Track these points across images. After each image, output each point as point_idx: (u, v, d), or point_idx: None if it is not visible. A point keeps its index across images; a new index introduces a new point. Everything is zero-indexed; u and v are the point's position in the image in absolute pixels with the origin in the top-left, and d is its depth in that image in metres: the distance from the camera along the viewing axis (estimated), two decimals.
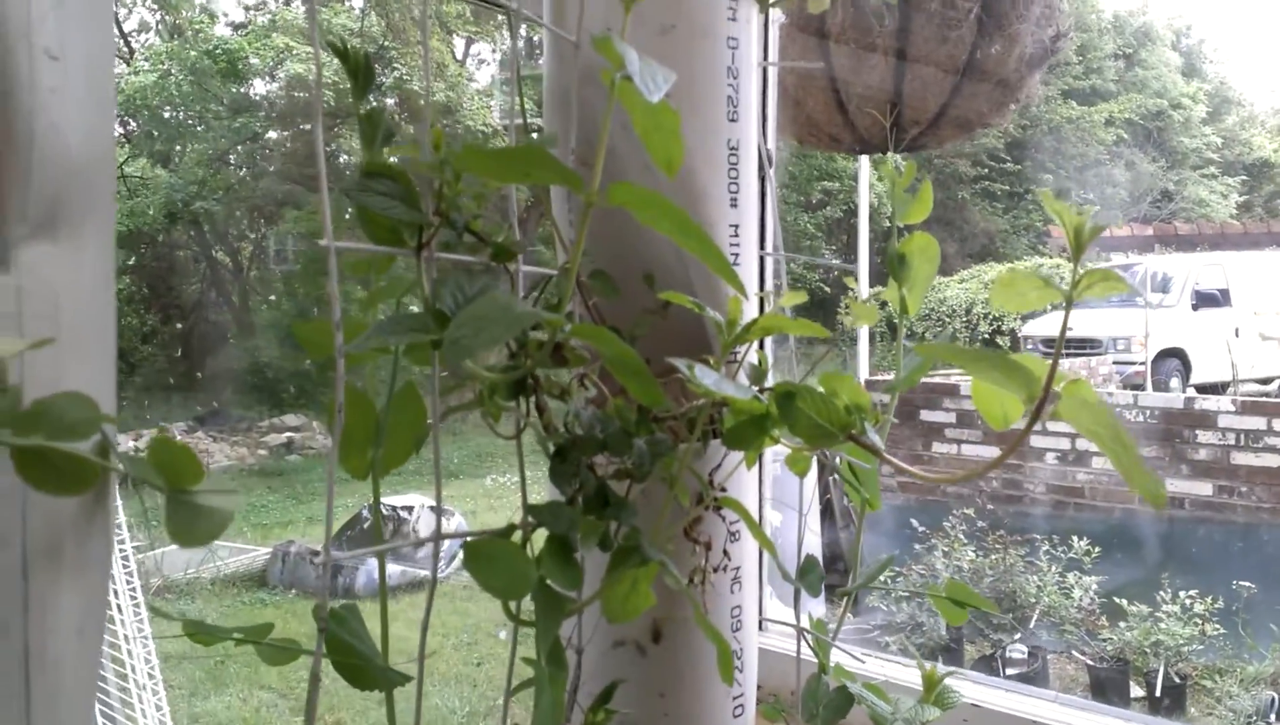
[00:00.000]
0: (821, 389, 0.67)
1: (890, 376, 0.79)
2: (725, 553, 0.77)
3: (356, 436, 0.67)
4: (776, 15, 0.92)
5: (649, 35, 0.72)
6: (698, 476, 0.72)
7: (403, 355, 0.68)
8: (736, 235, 0.79)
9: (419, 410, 0.68)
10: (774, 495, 1.37)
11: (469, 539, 0.58)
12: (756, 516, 0.76)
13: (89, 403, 0.40)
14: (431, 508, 6.88)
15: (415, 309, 0.67)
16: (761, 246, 1.03)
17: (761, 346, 0.88)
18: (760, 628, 1.24)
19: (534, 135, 0.91)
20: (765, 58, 1.07)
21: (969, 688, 1.07)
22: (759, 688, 1.21)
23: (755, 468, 0.84)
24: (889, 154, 1.68)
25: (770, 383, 0.77)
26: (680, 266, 0.77)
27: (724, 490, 0.76)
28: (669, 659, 0.75)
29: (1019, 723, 1.03)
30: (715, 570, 0.76)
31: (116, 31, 11.46)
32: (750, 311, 0.77)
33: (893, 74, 1.55)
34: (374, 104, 0.65)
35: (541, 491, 0.70)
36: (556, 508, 0.61)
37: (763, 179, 1.04)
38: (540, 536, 0.63)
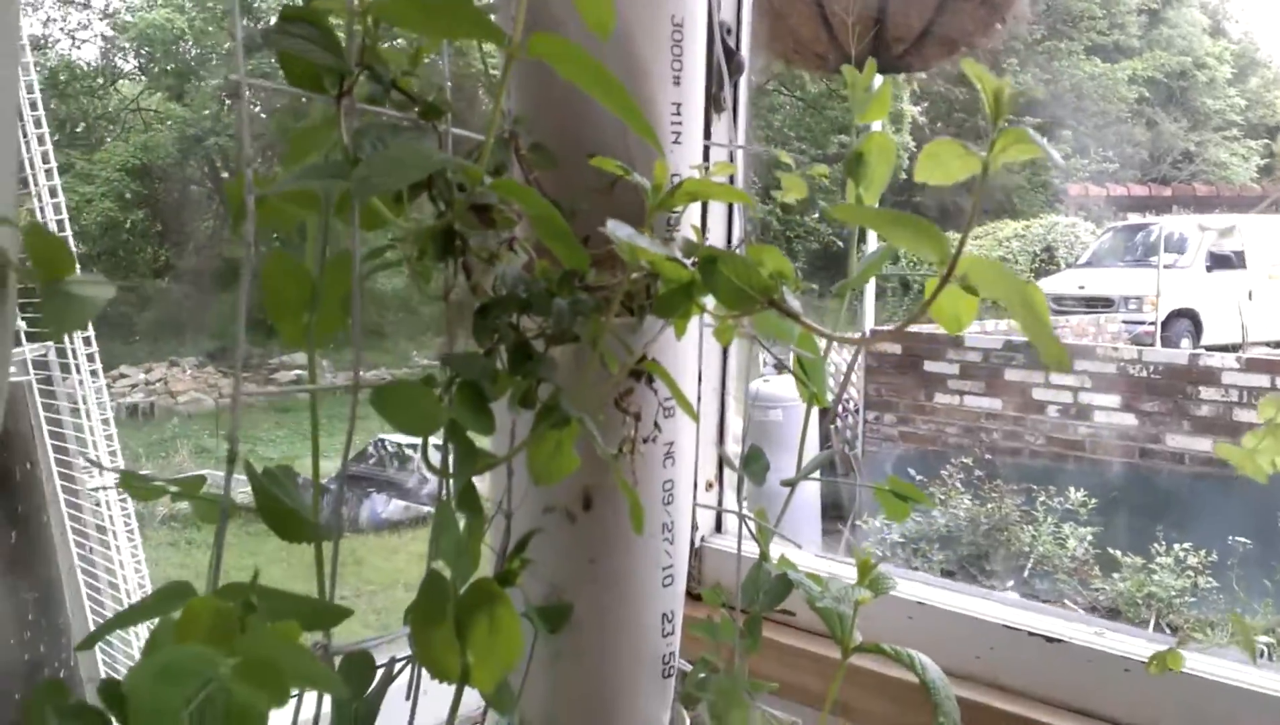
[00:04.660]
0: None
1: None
2: (657, 425, 0.78)
3: (290, 301, 0.68)
4: None
5: None
6: (627, 347, 0.73)
7: (333, 217, 0.68)
8: (679, 114, 0.79)
9: (349, 276, 0.69)
10: (762, 438, 1.39)
11: (379, 385, 0.59)
12: (691, 396, 0.77)
13: None
14: (436, 446, 6.93)
15: None
16: (732, 140, 1.04)
17: (704, 229, 0.88)
18: (718, 529, 1.26)
19: None
20: None
21: (915, 587, 1.09)
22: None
23: (692, 352, 0.85)
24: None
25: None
26: (624, 147, 0.77)
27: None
28: (599, 526, 0.76)
29: (963, 619, 1.04)
30: (646, 441, 0.77)
31: None
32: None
33: None
34: None
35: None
36: (471, 356, 0.62)
37: (731, 66, 1.04)
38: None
